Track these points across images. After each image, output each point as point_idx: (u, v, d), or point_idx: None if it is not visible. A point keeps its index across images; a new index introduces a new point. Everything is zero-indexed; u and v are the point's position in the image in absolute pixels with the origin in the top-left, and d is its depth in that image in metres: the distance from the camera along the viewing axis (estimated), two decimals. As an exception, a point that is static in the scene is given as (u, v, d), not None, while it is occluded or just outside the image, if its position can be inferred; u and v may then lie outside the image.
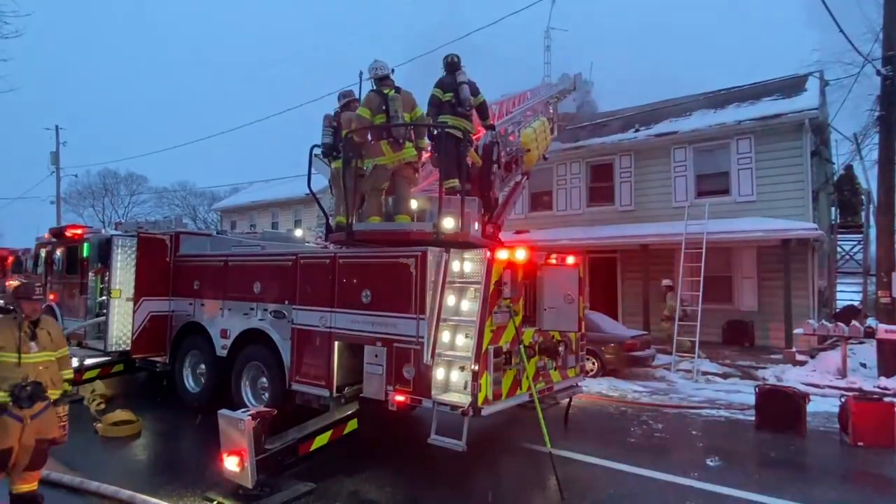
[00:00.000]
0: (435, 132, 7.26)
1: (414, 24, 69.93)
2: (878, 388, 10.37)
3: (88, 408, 8.00)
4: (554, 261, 6.62)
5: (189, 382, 8.39)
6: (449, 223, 6.20)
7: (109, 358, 8.82)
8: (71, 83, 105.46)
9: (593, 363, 11.28)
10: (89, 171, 46.47)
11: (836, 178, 17.37)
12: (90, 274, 9.71)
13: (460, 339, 5.69)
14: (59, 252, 10.68)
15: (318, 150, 7.79)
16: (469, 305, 5.72)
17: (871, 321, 11.47)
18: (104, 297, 9.00)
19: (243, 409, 5.41)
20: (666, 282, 13.81)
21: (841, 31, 10.75)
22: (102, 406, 8.02)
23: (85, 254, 9.89)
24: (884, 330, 11.00)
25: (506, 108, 12.36)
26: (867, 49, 12.19)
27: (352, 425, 5.86)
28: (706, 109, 16.01)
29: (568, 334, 6.92)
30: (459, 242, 6.23)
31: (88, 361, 9.03)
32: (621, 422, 8.27)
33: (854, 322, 11.39)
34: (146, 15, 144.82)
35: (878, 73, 11.59)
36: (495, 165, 8.59)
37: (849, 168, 16.76)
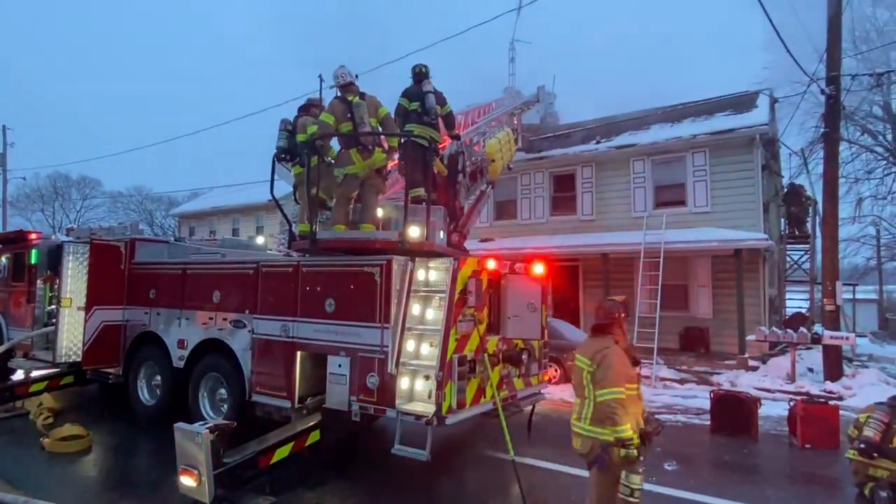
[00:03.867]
0: (401, 141, 7.26)
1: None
2: (824, 391, 10.89)
3: (35, 422, 7.65)
4: (520, 267, 6.70)
5: (144, 395, 8.11)
6: (414, 232, 6.21)
7: (59, 370, 8.46)
8: (19, 82, 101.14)
9: (556, 370, 11.43)
10: (38, 174, 44.49)
11: (784, 190, 18.18)
12: (38, 282, 9.31)
13: (425, 348, 5.69)
14: (4, 258, 10.20)
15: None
16: (434, 314, 5.74)
17: (817, 328, 12.04)
18: (53, 306, 8.64)
19: (201, 422, 5.28)
20: None
21: (788, 52, 11.30)
22: (50, 420, 7.69)
23: (33, 260, 9.47)
24: (829, 336, 11.56)
25: (471, 118, 12.48)
26: (813, 69, 12.88)
27: (314, 437, 5.77)
28: (664, 123, 16.53)
29: (531, 342, 7.01)
30: (425, 251, 6.23)
31: (35, 373, 8.65)
32: (583, 428, 8.39)
33: (802, 329, 11.94)
34: (102, 13, 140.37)
35: (823, 92, 12.24)
36: (461, 175, 8.65)
37: (797, 185, 17.61)
